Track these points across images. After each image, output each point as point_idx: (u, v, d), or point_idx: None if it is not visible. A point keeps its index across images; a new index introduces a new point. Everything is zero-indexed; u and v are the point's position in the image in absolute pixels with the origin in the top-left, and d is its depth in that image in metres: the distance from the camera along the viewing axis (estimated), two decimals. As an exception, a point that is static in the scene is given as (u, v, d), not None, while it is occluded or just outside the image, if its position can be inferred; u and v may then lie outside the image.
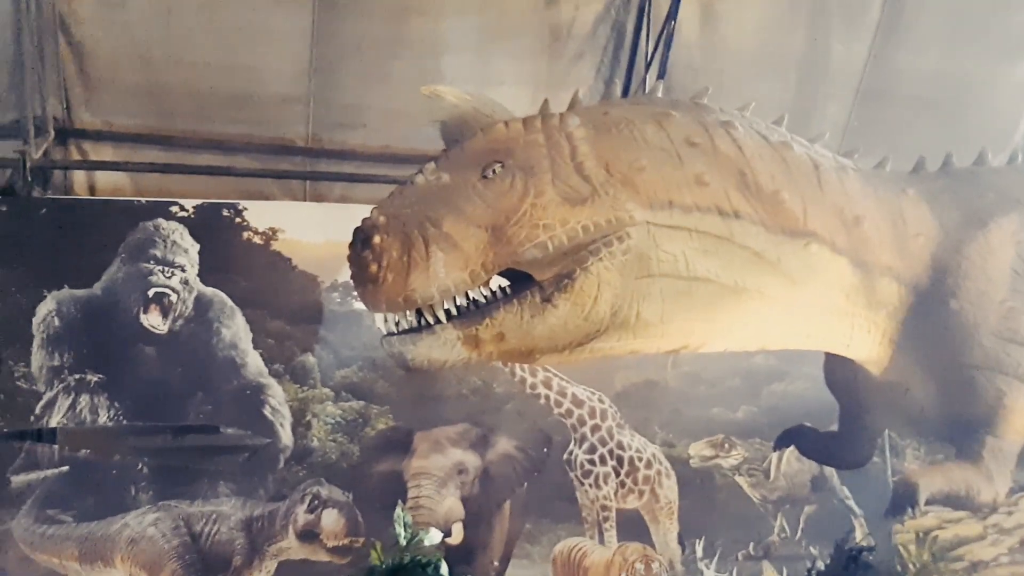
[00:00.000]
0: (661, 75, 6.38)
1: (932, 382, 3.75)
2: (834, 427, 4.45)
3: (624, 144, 3.35)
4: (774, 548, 6.30)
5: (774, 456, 6.34)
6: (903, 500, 3.70)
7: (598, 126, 3.38)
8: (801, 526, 6.40)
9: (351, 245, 3.30)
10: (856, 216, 3.63)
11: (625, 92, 6.56)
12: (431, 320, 3.29)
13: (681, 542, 6.24)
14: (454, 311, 3.31)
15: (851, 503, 6.47)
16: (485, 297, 3.34)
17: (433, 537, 4.31)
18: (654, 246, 3.30)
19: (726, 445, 6.37)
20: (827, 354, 4.15)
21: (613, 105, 3.48)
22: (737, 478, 6.41)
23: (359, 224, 3.31)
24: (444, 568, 4.13)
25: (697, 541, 6.28)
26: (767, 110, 6.62)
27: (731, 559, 6.28)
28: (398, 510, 4.33)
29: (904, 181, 3.87)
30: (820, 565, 4.01)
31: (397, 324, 3.33)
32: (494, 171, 3.29)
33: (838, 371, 4.19)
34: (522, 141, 3.33)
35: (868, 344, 3.78)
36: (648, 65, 6.45)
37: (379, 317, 3.41)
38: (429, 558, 4.25)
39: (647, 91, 6.27)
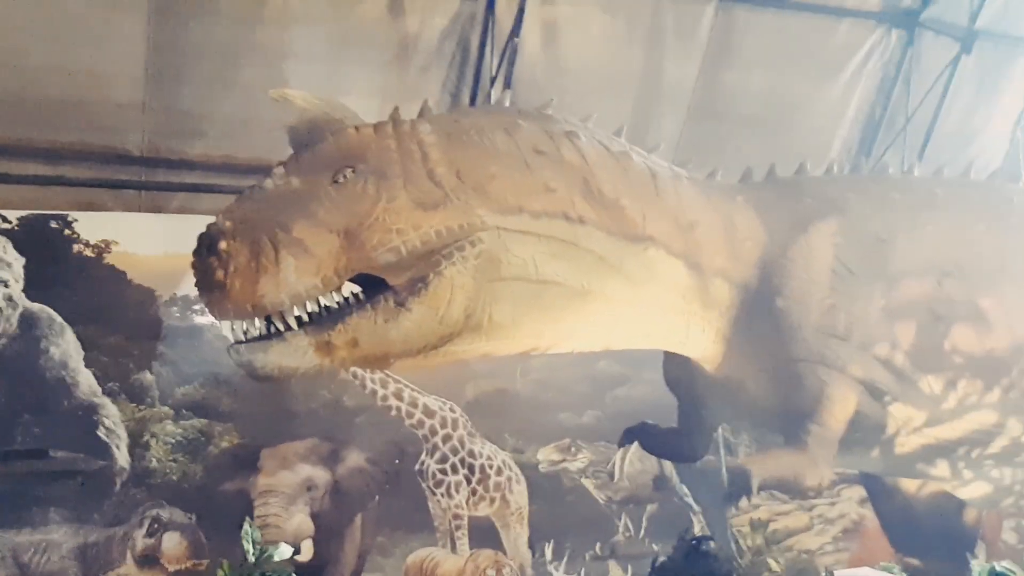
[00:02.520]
0: (504, 89, 6.50)
1: (762, 376, 3.99)
2: (674, 424, 4.65)
3: (475, 151, 3.42)
4: (620, 547, 6.49)
5: (617, 458, 6.54)
6: (738, 486, 3.90)
7: (449, 133, 3.43)
8: (644, 525, 6.62)
9: (195, 251, 3.21)
10: (691, 222, 3.83)
11: (472, 103, 6.66)
12: (282, 327, 3.25)
13: (531, 546, 6.34)
14: (305, 317, 3.28)
15: (690, 500, 6.74)
16: (337, 303, 3.32)
17: (283, 552, 4.25)
18: (505, 250, 3.38)
19: (573, 449, 6.53)
20: (666, 353, 4.34)
21: (464, 113, 3.56)
22: (584, 481, 6.58)
23: (204, 230, 3.23)
24: (290, 581, 4.08)
25: (547, 544, 6.39)
26: (606, 125, 6.90)
27: (579, 560, 6.44)
28: (246, 526, 4.25)
29: (734, 190, 4.11)
30: (662, 559, 4.16)
31: (246, 332, 3.27)
32: (345, 176, 3.29)
33: (676, 369, 4.39)
34: (374, 146, 3.34)
35: (703, 342, 3.99)
36: (493, 80, 6.57)
37: (226, 325, 3.33)
38: (279, 573, 4.19)
39: (492, 102, 6.40)
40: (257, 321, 3.24)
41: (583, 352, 4.03)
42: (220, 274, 3.12)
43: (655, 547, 6.46)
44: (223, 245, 3.13)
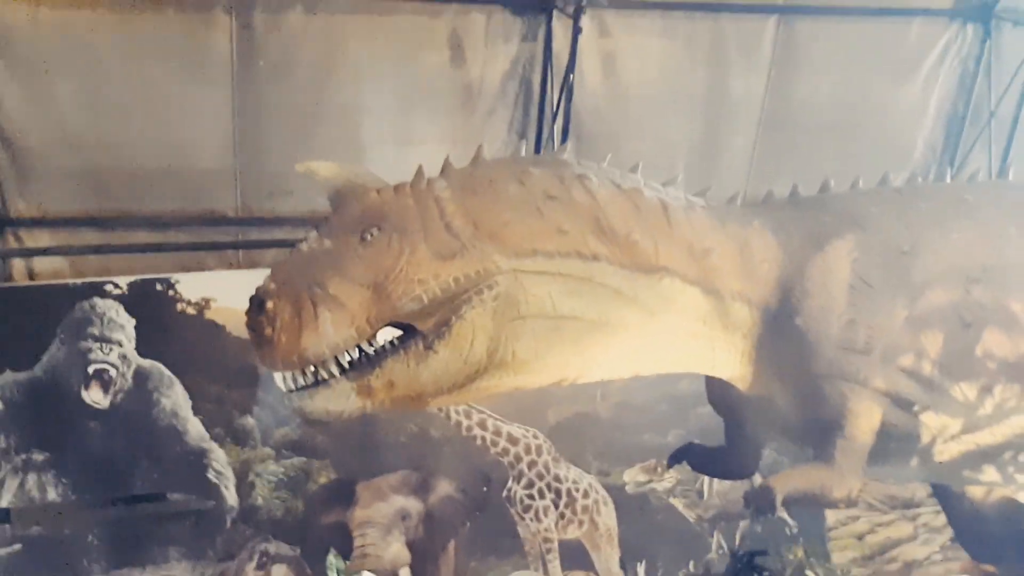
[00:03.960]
0: (566, 123, 6.72)
1: (789, 393, 4.04)
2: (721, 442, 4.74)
3: (489, 201, 3.66)
4: (714, 565, 6.53)
5: (705, 477, 6.59)
6: (762, 503, 3.97)
7: (464, 187, 3.69)
8: (738, 541, 6.63)
9: (247, 311, 3.58)
10: (705, 249, 3.94)
11: (538, 142, 6.92)
12: (325, 375, 3.57)
13: (623, 566, 6.47)
14: (346, 364, 3.59)
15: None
16: (375, 350, 3.62)
17: (365, 580, 4.52)
18: (522, 290, 3.60)
19: (659, 469, 6.62)
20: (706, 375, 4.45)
21: (479, 167, 3.79)
22: (672, 500, 6.66)
23: (253, 292, 3.60)
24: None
25: (639, 564, 6.50)
26: (675, 147, 7.03)
27: (670, 578, 6.52)
28: (330, 557, 4.56)
29: (752, 213, 4.18)
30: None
31: (295, 381, 3.60)
32: (371, 234, 3.58)
33: (716, 389, 4.49)
34: (395, 206, 3.63)
35: (731, 363, 4.08)
36: (555, 115, 6.81)
37: (278, 376, 3.67)
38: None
39: (556, 142, 6.63)
40: (304, 371, 3.57)
41: (625, 378, 4.20)
42: (268, 331, 3.47)
43: (750, 564, 6.49)
44: (269, 305, 3.47)
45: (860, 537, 6.85)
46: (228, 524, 5.96)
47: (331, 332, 3.48)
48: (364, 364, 3.58)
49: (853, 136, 7.20)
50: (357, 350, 3.58)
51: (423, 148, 6.54)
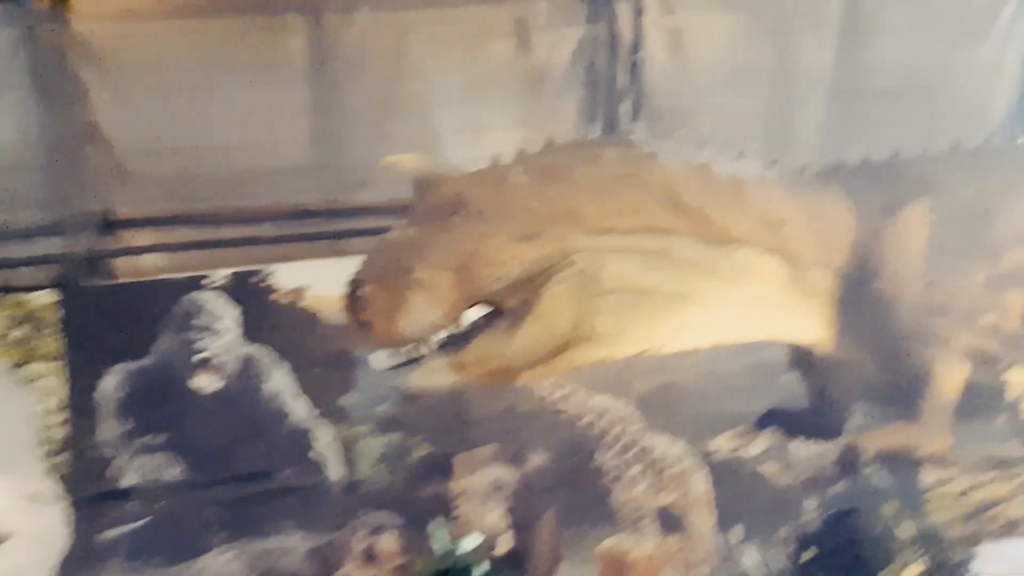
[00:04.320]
0: (635, 103, 6.80)
1: (871, 355, 4.12)
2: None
3: (563, 184, 3.84)
4: (807, 528, 6.56)
5: (794, 442, 6.62)
6: (849, 462, 4.06)
7: (538, 171, 3.87)
8: (833, 508, 6.64)
9: (345, 298, 3.83)
10: (779, 218, 4.04)
11: (608, 122, 7.01)
12: (419, 354, 3.80)
13: (717, 531, 6.55)
14: (439, 343, 3.82)
15: (878, 478, 6.71)
16: (464, 328, 3.84)
17: (470, 543, 4.72)
18: (601, 267, 3.78)
19: (748, 436, 6.67)
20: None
21: (551, 152, 3.97)
22: (761, 467, 6.71)
23: (349, 279, 3.85)
24: (482, 568, 4.54)
25: (733, 529, 6.58)
26: (746, 121, 7.04)
27: (767, 543, 6.57)
28: (433, 523, 4.78)
29: (824, 182, 4.25)
30: (809, 531, 4.30)
31: (393, 360, 3.85)
32: (453, 221, 3.79)
33: (798, 355, 4.57)
34: (473, 192, 3.83)
35: (811, 329, 4.17)
36: (623, 96, 6.89)
37: (375, 357, 3.92)
38: (468, 562, 4.67)
39: (626, 122, 6.73)
40: (400, 350, 3.81)
41: (705, 347, 4.31)
42: (364, 315, 3.73)
43: (844, 528, 6.50)
44: (364, 292, 3.73)
45: (958, 497, 6.79)
46: (334, 497, 6.26)
47: (422, 314, 3.71)
48: (456, 342, 3.82)
49: (927, 101, 7.09)
50: (447, 330, 3.80)
51: (494, 135, 6.72)
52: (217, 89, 6.32)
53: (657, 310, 3.84)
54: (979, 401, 4.00)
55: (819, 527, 4.19)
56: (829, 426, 4.73)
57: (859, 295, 4.04)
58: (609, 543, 6.43)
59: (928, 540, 3.85)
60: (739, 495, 6.72)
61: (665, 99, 6.75)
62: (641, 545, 6.42)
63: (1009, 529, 6.86)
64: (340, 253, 6.77)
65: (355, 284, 3.72)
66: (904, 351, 3.98)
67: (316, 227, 6.87)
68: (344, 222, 6.84)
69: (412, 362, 3.81)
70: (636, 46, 6.54)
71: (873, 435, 4.14)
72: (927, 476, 6.84)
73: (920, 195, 4.10)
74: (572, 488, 6.52)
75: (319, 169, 6.72)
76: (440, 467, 6.44)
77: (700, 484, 6.66)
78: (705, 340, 4.18)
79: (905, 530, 3.88)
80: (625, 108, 6.81)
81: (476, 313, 3.85)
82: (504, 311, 3.74)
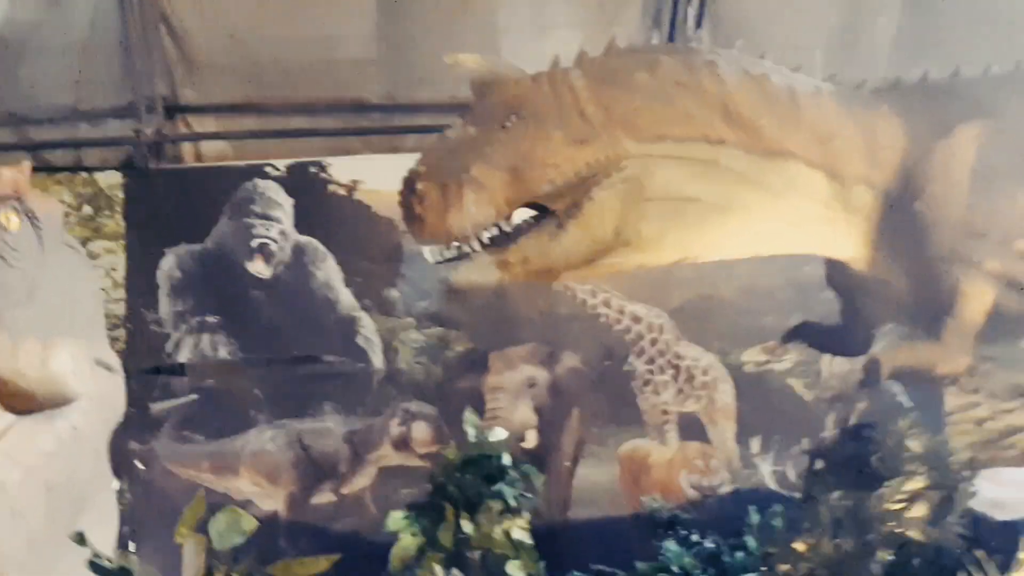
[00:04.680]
0: (700, 7, 6.78)
1: (905, 274, 4.24)
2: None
3: (620, 90, 3.95)
4: (827, 441, 6.79)
5: (825, 358, 6.79)
6: (870, 375, 4.24)
7: (597, 76, 3.97)
8: (852, 421, 6.86)
9: (401, 191, 4.02)
10: (830, 133, 4.12)
11: (672, 26, 7.00)
12: (468, 250, 4.00)
13: (738, 441, 6.82)
14: (487, 241, 4.01)
15: (901, 398, 6.89)
16: (512, 227, 4.02)
17: (498, 434, 4.98)
18: (649, 174, 3.91)
19: (779, 350, 6.86)
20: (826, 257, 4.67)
21: (611, 56, 4.05)
22: (790, 380, 6.92)
23: (406, 174, 4.03)
24: (507, 458, 4.81)
25: (753, 440, 6.84)
26: (813, 30, 6.97)
27: (786, 454, 6.83)
28: (466, 413, 5.04)
29: (879, 99, 4.30)
30: (824, 443, 4.52)
31: (442, 254, 4.05)
32: (511, 121, 3.94)
33: (835, 271, 4.71)
34: (533, 94, 3.96)
35: (851, 245, 4.30)
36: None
37: (426, 250, 4.12)
38: (495, 451, 4.94)
39: (691, 27, 6.71)
40: (449, 245, 4.01)
41: (744, 258, 4.46)
42: (418, 209, 3.91)
43: (863, 442, 6.72)
44: (419, 186, 3.91)
45: (980, 423, 6.98)
46: (375, 384, 6.57)
47: (473, 211, 3.89)
48: (502, 240, 4.00)
49: (1002, 19, 6.98)
50: (496, 228, 3.99)
51: (558, 34, 6.77)
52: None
53: (700, 219, 3.97)
54: (1003, 326, 4.13)
55: (835, 439, 4.40)
56: (857, 343, 4.89)
57: (900, 214, 4.14)
58: (630, 445, 6.75)
59: (932, 458, 4.04)
60: (766, 407, 6.97)
61: (731, 6, 6.74)
62: (661, 449, 6.72)
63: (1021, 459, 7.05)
64: (396, 149, 6.93)
65: (412, 178, 3.89)
66: (936, 272, 4.10)
67: (375, 122, 7.03)
68: (403, 118, 6.99)
69: (461, 257, 3.99)
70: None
71: (894, 352, 4.29)
72: (952, 400, 7.04)
73: (974, 117, 4.14)
74: (602, 390, 6.79)
75: (382, 64, 6.85)
76: (477, 363, 6.73)
77: (726, 394, 6.92)
78: (744, 251, 4.32)
79: (913, 446, 4.07)
80: (690, 12, 6.79)
81: (525, 213, 4.02)
82: (552, 213, 3.91)
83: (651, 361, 6.79)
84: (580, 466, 6.73)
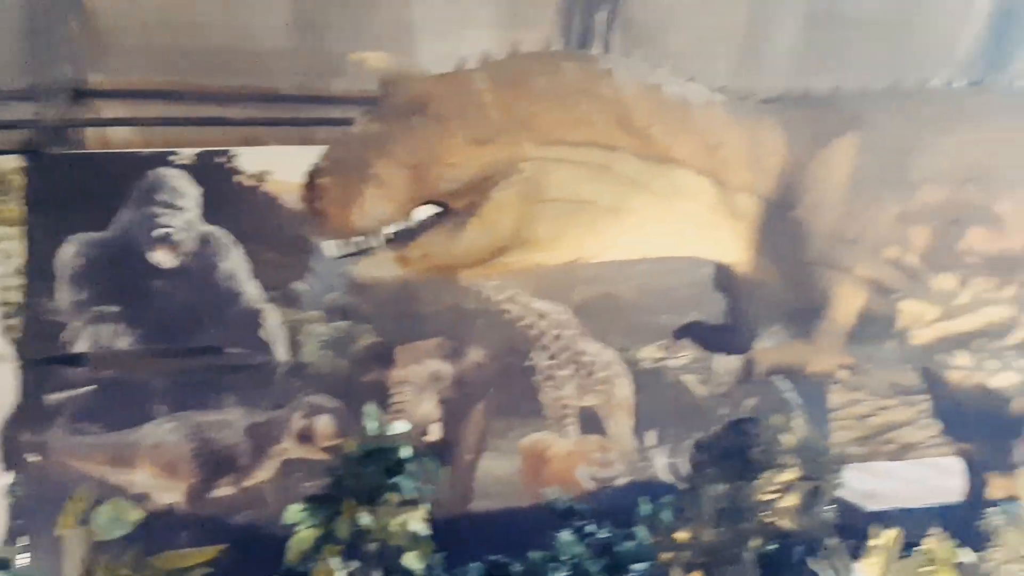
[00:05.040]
0: (611, 12, 6.94)
1: (783, 278, 4.49)
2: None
3: (522, 93, 4.08)
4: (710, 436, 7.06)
5: (718, 355, 7.07)
6: (745, 373, 4.50)
7: (500, 79, 4.10)
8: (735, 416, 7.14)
9: (303, 186, 4.07)
10: (718, 142, 4.33)
11: (584, 29, 7.16)
12: (368, 245, 4.08)
13: (635, 434, 7.06)
14: (389, 236, 4.09)
15: (789, 394, 7.22)
16: (413, 224, 4.12)
17: (399, 427, 5.07)
18: (546, 176, 4.05)
19: (674, 347, 7.12)
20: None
21: (515, 60, 4.18)
22: (685, 376, 7.19)
23: (309, 168, 4.08)
24: (407, 451, 4.90)
25: (649, 433, 7.08)
26: (719, 40, 7.20)
27: (679, 447, 7.08)
28: (367, 406, 5.10)
29: (765, 110, 4.54)
30: (707, 437, 4.74)
31: (342, 250, 4.12)
32: (415, 120, 4.03)
33: (720, 273, 4.95)
34: (436, 94, 4.06)
35: (734, 249, 4.53)
36: (601, 2, 7.02)
37: (327, 244, 4.18)
38: (395, 444, 5.02)
39: (604, 29, 6.86)
40: (350, 241, 4.08)
41: (635, 259, 4.65)
42: (320, 204, 3.97)
43: (754, 437, 7.01)
44: (321, 181, 3.97)
45: (861, 418, 7.36)
46: (278, 377, 6.58)
47: (374, 207, 3.97)
48: (404, 236, 4.09)
49: (898, 32, 7.30)
50: (397, 225, 4.08)
51: (473, 32, 6.86)
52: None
53: (594, 221, 4.13)
54: (872, 328, 4.41)
55: (717, 432, 4.63)
56: (741, 342, 5.12)
57: (779, 221, 4.38)
58: (531, 438, 6.92)
59: (805, 451, 4.29)
60: (662, 402, 7.22)
61: (643, 11, 6.92)
62: (562, 442, 6.91)
63: (903, 452, 7.47)
64: (307, 141, 6.91)
65: (314, 173, 3.96)
66: (810, 276, 4.35)
67: (286, 112, 7.00)
68: (314, 110, 6.97)
69: (361, 253, 4.06)
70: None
71: (768, 351, 4.54)
72: (836, 397, 7.40)
73: (851, 130, 4.39)
74: (505, 385, 6.94)
75: (295, 55, 6.83)
76: (383, 356, 6.80)
77: (624, 389, 7.15)
78: (636, 252, 4.51)
79: (787, 440, 4.32)
80: (601, 17, 6.94)
81: (426, 211, 4.12)
82: (452, 211, 4.02)
83: (553, 357, 6.97)
84: (483, 459, 6.86)
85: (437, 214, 4.10)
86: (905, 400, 7.30)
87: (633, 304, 7.14)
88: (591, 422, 7.05)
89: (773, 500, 4.21)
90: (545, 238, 4.12)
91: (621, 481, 6.96)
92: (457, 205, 4.03)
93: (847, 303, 4.36)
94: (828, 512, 4.25)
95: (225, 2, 6.62)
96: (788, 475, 4.20)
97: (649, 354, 7.16)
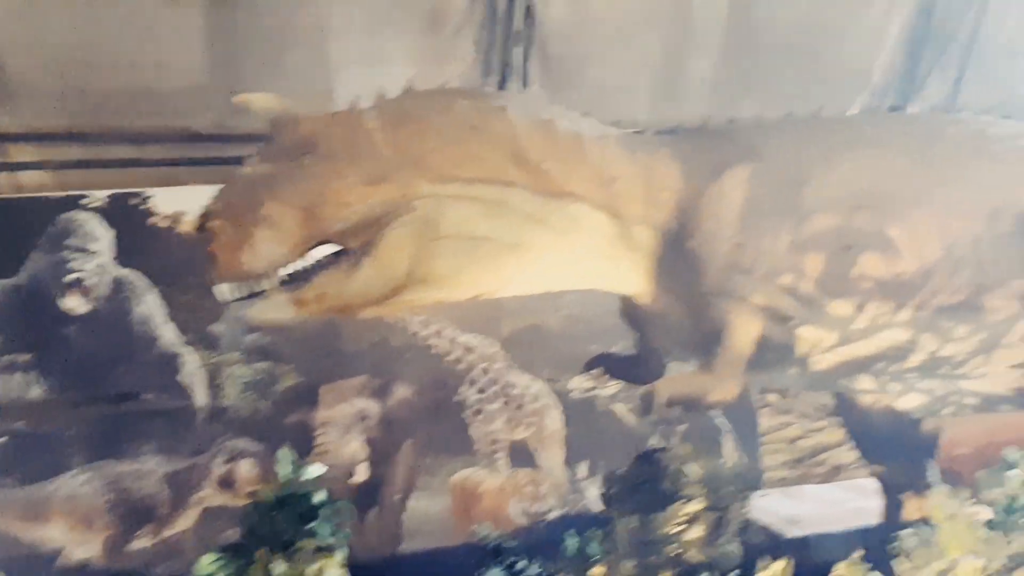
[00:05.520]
0: (527, 46, 6.96)
1: (682, 308, 4.48)
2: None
3: (414, 130, 4.04)
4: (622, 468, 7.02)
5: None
6: (646, 403, 4.48)
7: (393, 117, 4.06)
8: (675, 443, 7.13)
9: (195, 228, 3.98)
10: (613, 176, 4.32)
11: (502, 65, 7.16)
12: (263, 288, 3.99)
13: (566, 465, 7.00)
14: (285, 277, 4.01)
15: (720, 420, 7.22)
16: (309, 265, 4.04)
17: (312, 472, 4.95)
18: (441, 213, 4.00)
19: (604, 377, 7.07)
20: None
21: (408, 98, 4.15)
22: (614, 406, 7.16)
23: (200, 211, 4.00)
24: (320, 495, 4.79)
25: (581, 464, 7.03)
26: (638, 71, 7.23)
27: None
28: (280, 451, 4.98)
29: (660, 143, 4.54)
30: (619, 470, 4.71)
31: (233, 293, 4.03)
32: (305, 160, 3.97)
33: (625, 304, 4.93)
34: (327, 134, 4.00)
35: (634, 281, 4.51)
36: (517, 38, 7.03)
37: (218, 288, 4.08)
38: (308, 490, 4.90)
39: (521, 64, 6.87)
40: (242, 284, 3.99)
41: (537, 293, 4.61)
42: (211, 247, 3.89)
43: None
44: (212, 224, 3.88)
45: (792, 441, 7.37)
46: (198, 422, 6.44)
47: (266, 250, 3.89)
48: (298, 278, 4.01)
49: (814, 59, 7.37)
50: (291, 266, 4.00)
51: (390, 69, 6.79)
52: (111, 6, 6.25)
53: (492, 257, 4.08)
54: (771, 355, 4.41)
55: (630, 464, 4.60)
56: (650, 372, 5.10)
57: (675, 252, 4.37)
58: (462, 475, 6.83)
59: (711, 480, 4.27)
60: (593, 432, 7.17)
61: (561, 44, 6.90)
62: (492, 477, 6.83)
63: (833, 473, 7.48)
64: (226, 180, 6.80)
65: (204, 216, 3.88)
66: (707, 305, 4.34)
67: (203, 152, 6.89)
68: (231, 148, 6.85)
69: (254, 296, 3.98)
70: (531, -10, 6.65)
71: (668, 382, 4.53)
72: (766, 420, 7.41)
73: (744, 161, 4.41)
74: (434, 421, 6.85)
75: (210, 94, 6.72)
76: (307, 397, 6.69)
77: (555, 421, 7.09)
78: (536, 286, 4.47)
79: (691, 471, 4.29)
80: (518, 52, 6.94)
81: (322, 251, 4.05)
82: (347, 250, 3.95)
83: (482, 390, 6.90)
84: (413, 498, 6.76)
85: (334, 254, 4.03)
86: (834, 422, 7.32)
87: (561, 334, 7.11)
88: (522, 456, 6.98)
89: (680, 532, 4.16)
90: (443, 275, 4.06)
91: (554, 515, 6.88)
92: (352, 245, 3.97)
93: (744, 332, 4.35)
94: (733, 544, 4.21)
95: (136, 43, 6.50)
96: (693, 506, 4.16)
97: (579, 384, 7.13)
